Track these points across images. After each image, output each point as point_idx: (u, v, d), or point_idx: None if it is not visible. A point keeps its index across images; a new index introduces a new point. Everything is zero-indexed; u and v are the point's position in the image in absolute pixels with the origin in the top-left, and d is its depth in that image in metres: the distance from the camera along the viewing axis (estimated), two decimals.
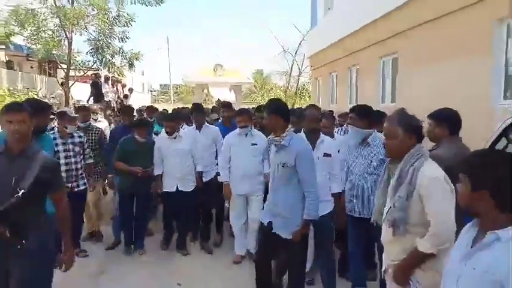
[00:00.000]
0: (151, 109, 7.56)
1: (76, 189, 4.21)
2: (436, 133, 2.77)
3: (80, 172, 4.36)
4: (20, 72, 14.16)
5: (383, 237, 2.29)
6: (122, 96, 15.65)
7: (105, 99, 13.57)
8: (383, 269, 2.35)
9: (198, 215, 5.05)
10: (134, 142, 4.57)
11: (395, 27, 7.92)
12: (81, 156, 4.42)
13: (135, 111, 8.36)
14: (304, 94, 25.29)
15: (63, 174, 3.87)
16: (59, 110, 4.84)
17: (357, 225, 3.39)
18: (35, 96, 10.90)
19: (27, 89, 12.05)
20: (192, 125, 5.20)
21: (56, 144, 4.09)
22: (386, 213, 2.21)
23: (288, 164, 2.99)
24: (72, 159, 4.23)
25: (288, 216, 3.03)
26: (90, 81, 13.49)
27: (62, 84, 13.32)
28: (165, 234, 4.90)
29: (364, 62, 10.30)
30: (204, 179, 4.85)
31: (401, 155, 2.19)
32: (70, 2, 12.23)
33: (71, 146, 4.23)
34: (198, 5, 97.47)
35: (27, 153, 2.32)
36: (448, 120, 2.78)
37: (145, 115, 7.37)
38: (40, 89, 13.60)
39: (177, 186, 4.59)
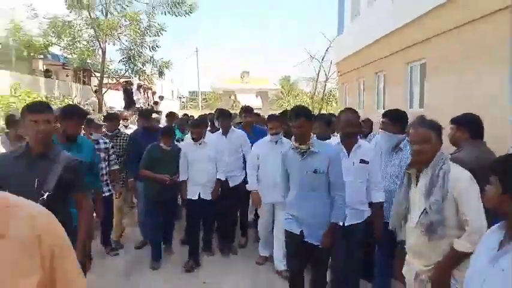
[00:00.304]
0: (172, 116, 7.39)
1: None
2: (457, 137, 2.79)
3: (104, 178, 4.45)
4: (56, 81, 14.86)
5: (413, 243, 2.30)
6: (152, 103, 16.19)
7: (136, 105, 14.09)
8: (412, 275, 2.33)
9: (214, 223, 5.07)
10: (160, 150, 4.55)
11: (423, 33, 7.82)
12: (106, 163, 4.54)
13: (161, 115, 8.50)
14: (331, 100, 25.12)
15: None
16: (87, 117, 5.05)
17: (385, 230, 3.35)
18: (71, 104, 11.43)
19: (63, 96, 12.62)
20: (214, 131, 5.29)
21: None
22: (419, 218, 2.23)
23: (320, 170, 2.94)
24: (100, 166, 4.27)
25: (319, 224, 3.00)
26: (122, 89, 14.01)
27: (95, 91, 13.91)
28: (189, 246, 4.65)
29: (391, 68, 10.18)
30: (231, 184, 4.85)
31: (431, 160, 2.23)
32: (104, 13, 12.79)
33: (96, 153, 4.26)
34: (226, 14, 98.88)
35: (49, 155, 2.26)
36: (468, 125, 2.81)
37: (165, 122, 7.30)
38: (75, 96, 14.23)
39: (199, 194, 4.53)
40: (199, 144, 4.55)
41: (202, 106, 34.82)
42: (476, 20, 5.91)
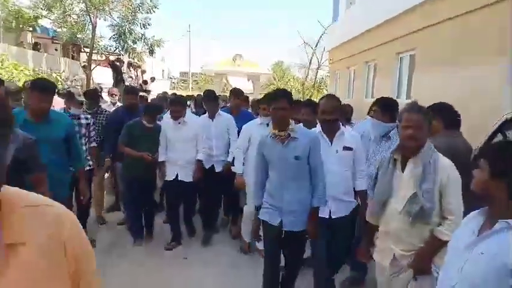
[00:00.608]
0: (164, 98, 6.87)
1: None
2: (432, 126, 2.80)
3: (84, 155, 4.26)
4: (45, 54, 14.60)
5: (394, 228, 2.31)
6: (141, 81, 16.03)
7: (125, 83, 13.94)
8: (388, 260, 2.36)
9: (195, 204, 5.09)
10: (141, 127, 4.36)
11: (414, 24, 7.89)
12: (86, 139, 4.40)
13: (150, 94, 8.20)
14: (322, 87, 25.19)
15: None
16: (67, 90, 4.89)
17: None
18: (58, 78, 11.29)
19: (51, 70, 12.43)
20: (202, 113, 5.12)
21: None
22: (405, 205, 2.23)
23: (301, 156, 2.86)
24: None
25: (300, 212, 2.92)
26: (110, 65, 13.82)
27: (84, 67, 13.71)
28: (172, 230, 4.64)
29: (382, 58, 10.27)
30: (217, 169, 4.68)
31: (421, 147, 2.23)
32: None
33: (76, 128, 4.08)
34: None
35: None
36: (441, 113, 2.79)
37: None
38: (63, 71, 14.02)
39: (177, 175, 4.41)
40: (179, 123, 4.39)
41: (192, 88, 34.55)
42: (467, 13, 5.99)
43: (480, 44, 5.65)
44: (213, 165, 4.69)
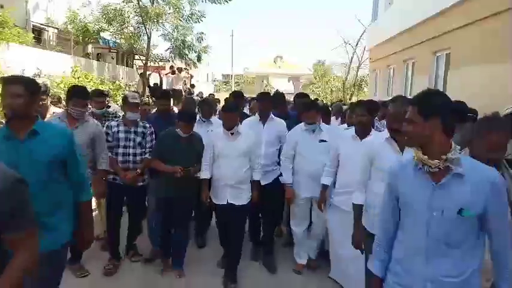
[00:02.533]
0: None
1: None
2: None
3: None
4: (106, 64, 16.18)
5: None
6: (189, 86, 17.30)
7: (176, 87, 15.19)
8: None
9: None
10: (176, 137, 3.63)
11: (449, 24, 8.30)
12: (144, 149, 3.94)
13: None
14: (363, 86, 25.40)
15: (120, 165, 3.81)
16: (124, 95, 4.48)
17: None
18: (121, 85, 12.66)
19: (113, 77, 13.89)
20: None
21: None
22: None
23: (469, 209, 1.61)
24: (131, 150, 3.87)
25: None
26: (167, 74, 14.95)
27: (140, 74, 15.10)
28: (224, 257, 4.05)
29: (419, 57, 10.66)
30: (263, 182, 3.92)
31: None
32: (150, 1, 13.83)
33: (132, 136, 3.86)
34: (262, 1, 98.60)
35: None
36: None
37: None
38: (122, 78, 15.51)
39: (227, 200, 3.63)
40: (232, 134, 3.61)
41: (235, 89, 35.81)
42: (498, 14, 6.40)
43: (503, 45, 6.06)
44: None
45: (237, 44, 58.65)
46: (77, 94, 3.50)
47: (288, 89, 19.02)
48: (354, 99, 21.28)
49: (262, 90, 19.81)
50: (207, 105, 4.73)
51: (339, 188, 3.50)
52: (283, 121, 4.23)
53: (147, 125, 3.99)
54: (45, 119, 3.50)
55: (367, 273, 2.26)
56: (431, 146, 1.60)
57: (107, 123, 4.08)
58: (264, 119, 4.11)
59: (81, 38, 13.84)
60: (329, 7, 77.03)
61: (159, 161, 3.68)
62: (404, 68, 12.15)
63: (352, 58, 24.78)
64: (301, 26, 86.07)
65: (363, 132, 3.29)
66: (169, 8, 13.56)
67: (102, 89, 7.22)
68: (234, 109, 3.70)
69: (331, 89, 26.00)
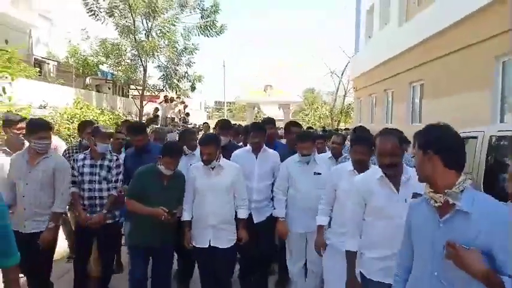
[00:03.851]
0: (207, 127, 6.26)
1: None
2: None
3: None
4: (104, 94, 16.89)
5: None
6: (183, 115, 18.07)
7: (169, 115, 15.93)
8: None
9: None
10: (157, 174, 3.20)
11: (422, 58, 9.24)
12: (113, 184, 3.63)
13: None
14: (350, 113, 26.46)
15: (87, 201, 3.51)
16: (95, 126, 4.02)
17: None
18: (120, 115, 13.31)
19: (112, 107, 14.56)
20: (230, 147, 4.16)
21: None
22: None
23: (476, 247, 1.58)
24: (97, 186, 3.57)
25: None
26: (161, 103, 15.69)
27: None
28: None
29: (397, 87, 11.58)
30: (256, 220, 3.67)
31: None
32: (146, 36, 14.69)
33: (97, 170, 3.58)
34: (252, 32, 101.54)
35: None
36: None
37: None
38: (119, 108, 16.18)
39: (210, 242, 3.26)
40: (212, 168, 3.27)
41: (227, 116, 36.68)
42: (464, 48, 7.25)
43: (474, 76, 6.87)
44: (250, 214, 3.57)
45: (228, 72, 60.25)
46: (41, 126, 3.18)
47: (278, 115, 19.77)
48: (342, 125, 22.24)
49: (253, 118, 20.64)
50: (191, 134, 4.29)
51: (337, 228, 3.10)
52: (277, 153, 3.95)
53: (114, 157, 3.68)
54: (18, 153, 3.33)
55: None
56: (433, 180, 1.60)
57: (74, 156, 3.77)
58: (256, 150, 3.82)
59: (81, 70, 14.56)
60: (316, 38, 79.90)
61: (135, 201, 3.20)
62: (385, 97, 13.08)
63: (338, 87, 25.99)
64: (290, 54, 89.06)
65: (361, 169, 2.89)
66: (164, 42, 14.40)
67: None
68: (213, 141, 3.28)
69: (320, 116, 26.99)
